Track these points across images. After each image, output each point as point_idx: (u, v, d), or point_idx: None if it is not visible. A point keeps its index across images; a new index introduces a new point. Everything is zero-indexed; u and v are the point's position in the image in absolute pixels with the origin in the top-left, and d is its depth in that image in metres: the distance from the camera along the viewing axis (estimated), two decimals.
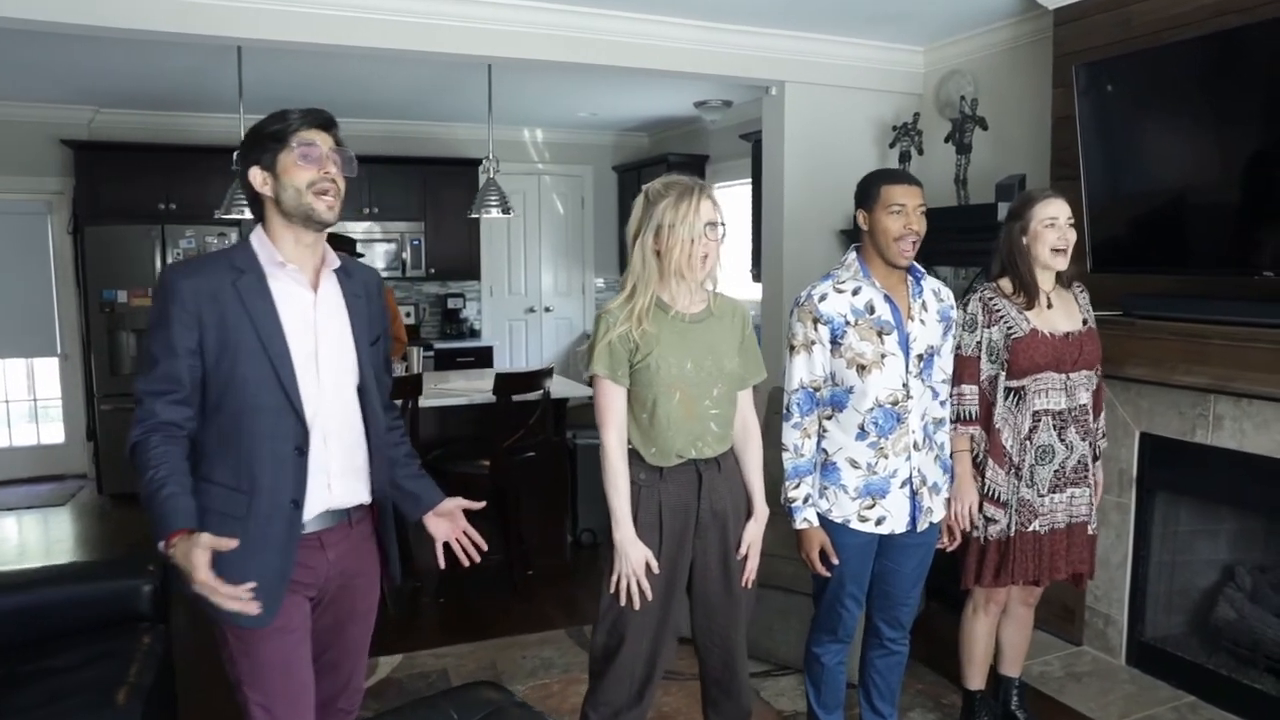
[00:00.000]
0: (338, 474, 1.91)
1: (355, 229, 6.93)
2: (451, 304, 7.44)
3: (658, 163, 7.24)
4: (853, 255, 2.52)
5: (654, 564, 2.20)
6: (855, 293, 2.45)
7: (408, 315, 7.39)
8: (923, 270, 2.54)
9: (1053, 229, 2.63)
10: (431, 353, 6.90)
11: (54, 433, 6.80)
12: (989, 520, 2.68)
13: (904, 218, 2.40)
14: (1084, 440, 2.72)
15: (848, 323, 2.42)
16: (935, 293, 2.55)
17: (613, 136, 7.99)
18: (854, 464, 2.45)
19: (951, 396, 2.63)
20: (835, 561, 2.45)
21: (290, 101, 6.26)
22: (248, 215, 4.43)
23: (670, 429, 2.21)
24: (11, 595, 2.63)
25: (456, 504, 2.12)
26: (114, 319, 5.97)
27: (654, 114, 7.06)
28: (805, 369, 2.45)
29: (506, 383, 4.12)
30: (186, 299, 1.77)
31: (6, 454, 6.69)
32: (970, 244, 3.98)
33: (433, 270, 7.22)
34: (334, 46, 4.02)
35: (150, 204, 6.14)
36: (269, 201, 1.83)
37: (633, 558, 2.18)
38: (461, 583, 4.37)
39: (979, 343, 2.66)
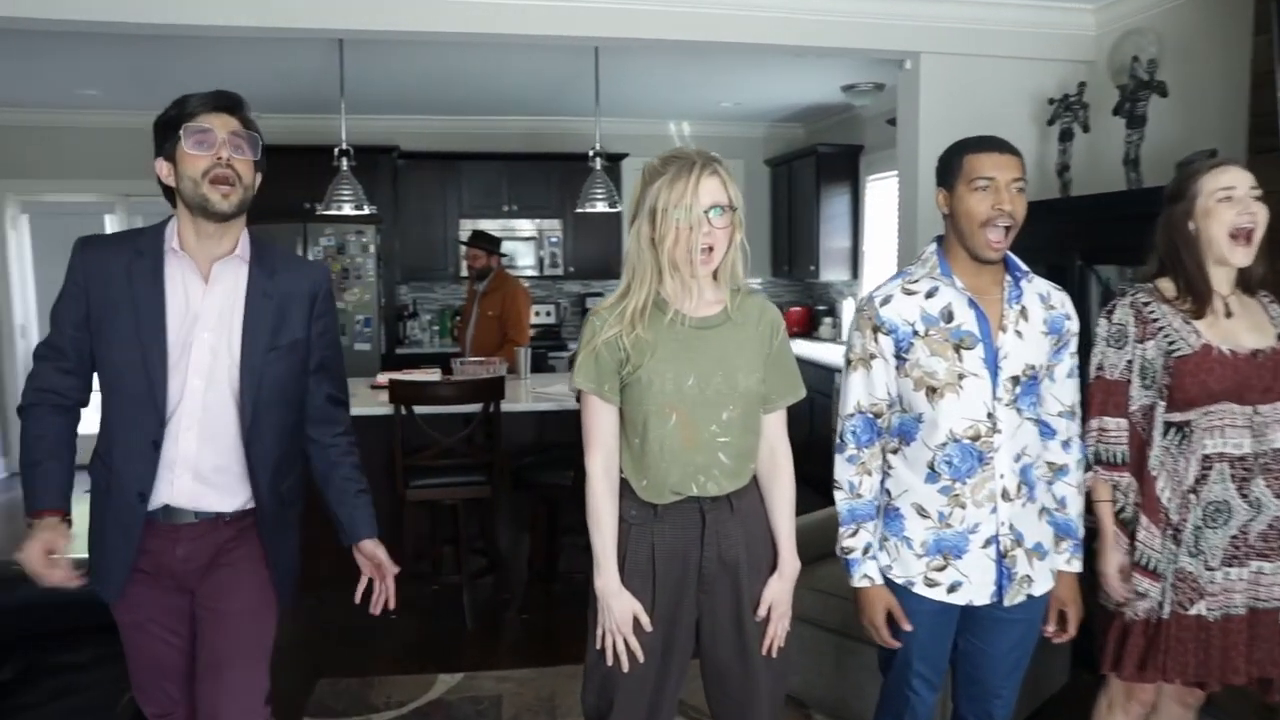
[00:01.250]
0: (201, 474, 1.80)
1: (492, 226, 6.86)
2: (591, 303, 7.24)
3: (807, 154, 6.73)
4: (932, 247, 2.00)
5: (644, 620, 1.81)
6: (930, 295, 1.94)
7: (546, 314, 7.26)
8: (1025, 268, 1.98)
9: (1229, 203, 1.96)
10: (564, 353, 6.72)
11: None
12: (1137, 594, 2.03)
13: (992, 195, 1.86)
14: (1278, 498, 2.02)
15: (915, 332, 1.91)
16: (1043, 297, 1.98)
17: (764, 128, 7.53)
18: (921, 512, 1.94)
19: (1090, 432, 2.05)
20: (906, 628, 1.95)
21: (413, 99, 6.09)
22: (348, 210, 4.39)
23: (664, 459, 1.81)
24: (26, 589, 2.59)
25: (373, 556, 2.02)
26: None
27: (803, 101, 6.55)
28: (863, 389, 1.97)
29: None
30: (78, 273, 1.78)
31: None
32: (1142, 237, 3.26)
33: (572, 269, 7.05)
34: (429, 34, 3.85)
35: (296, 203, 6.30)
36: (175, 191, 1.79)
37: (616, 611, 1.80)
38: (548, 599, 4.11)
39: (1129, 362, 2.04)
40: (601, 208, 4.63)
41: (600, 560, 1.82)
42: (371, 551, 1.99)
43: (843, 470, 1.98)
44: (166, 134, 1.77)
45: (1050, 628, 2.02)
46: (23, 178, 6.71)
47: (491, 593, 4.16)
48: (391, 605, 2.02)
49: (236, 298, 1.80)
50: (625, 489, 1.86)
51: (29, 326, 6.91)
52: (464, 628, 3.85)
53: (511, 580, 4.23)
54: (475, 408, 3.80)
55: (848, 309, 6.68)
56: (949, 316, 1.91)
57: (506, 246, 6.85)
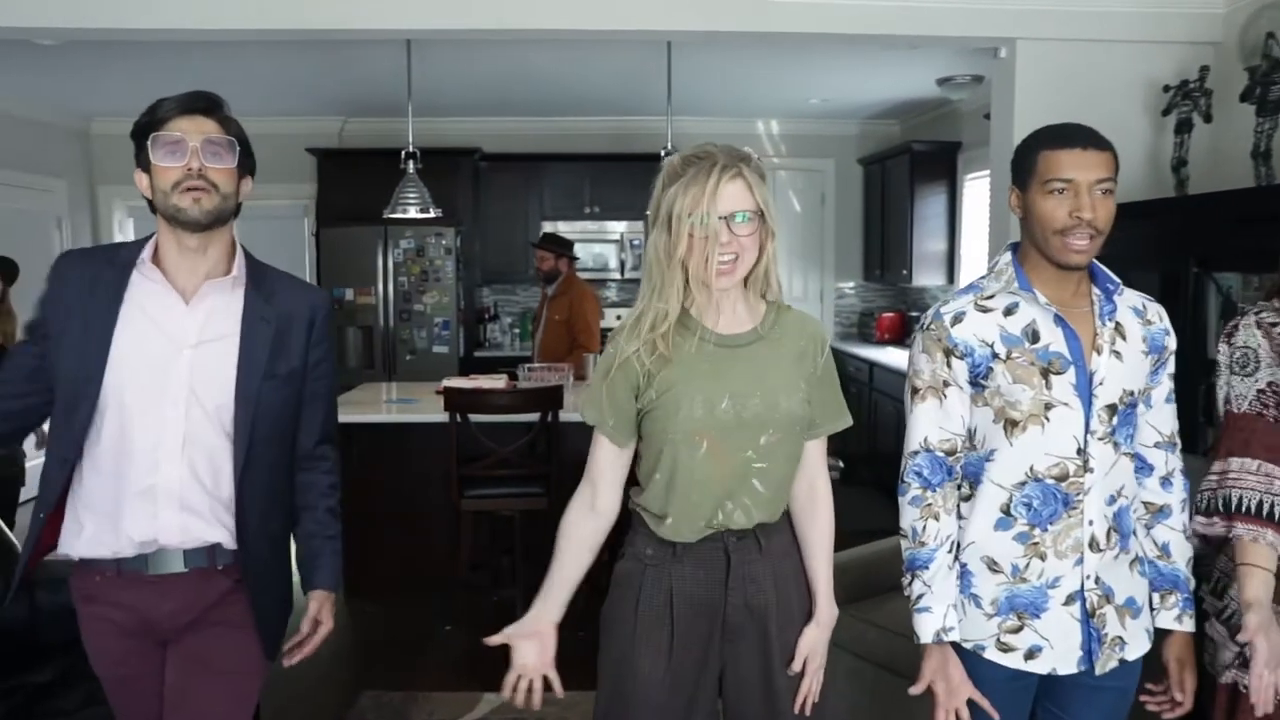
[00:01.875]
0: (190, 506, 1.64)
1: (571, 229, 6.75)
2: None
3: (901, 153, 6.38)
4: (1006, 257, 1.72)
5: (554, 680, 1.68)
6: (1009, 311, 1.66)
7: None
8: (1115, 279, 1.69)
9: None
10: None
11: None
12: None
13: (1070, 200, 1.58)
14: None
15: (995, 354, 1.63)
16: (1137, 311, 1.69)
17: (857, 125, 7.19)
18: (992, 565, 1.66)
19: (1209, 475, 1.72)
20: (983, 703, 1.66)
21: (495, 101, 5.94)
22: (414, 213, 4.33)
23: (694, 490, 1.61)
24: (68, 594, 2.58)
25: (316, 610, 1.84)
26: (341, 315, 6.23)
27: (896, 97, 6.21)
28: (933, 422, 1.68)
29: None
30: (48, 285, 1.68)
31: None
32: (1273, 239, 2.87)
33: None
34: (495, 31, 3.74)
35: (377, 206, 6.32)
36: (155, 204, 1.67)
37: (531, 657, 1.66)
38: None
39: (1261, 391, 1.71)
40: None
41: (547, 589, 1.67)
42: (319, 603, 1.83)
43: (906, 515, 1.70)
44: (141, 144, 1.65)
45: (1155, 698, 1.72)
46: (127, 183, 6.94)
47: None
48: (296, 660, 1.83)
49: (230, 321, 1.66)
50: (640, 527, 1.67)
51: None
52: None
53: (574, 596, 4.08)
54: (534, 416, 3.67)
55: None
56: (1034, 336, 1.63)
57: (588, 250, 6.76)
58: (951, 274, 6.26)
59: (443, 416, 3.64)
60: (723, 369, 1.60)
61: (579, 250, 6.75)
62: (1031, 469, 1.62)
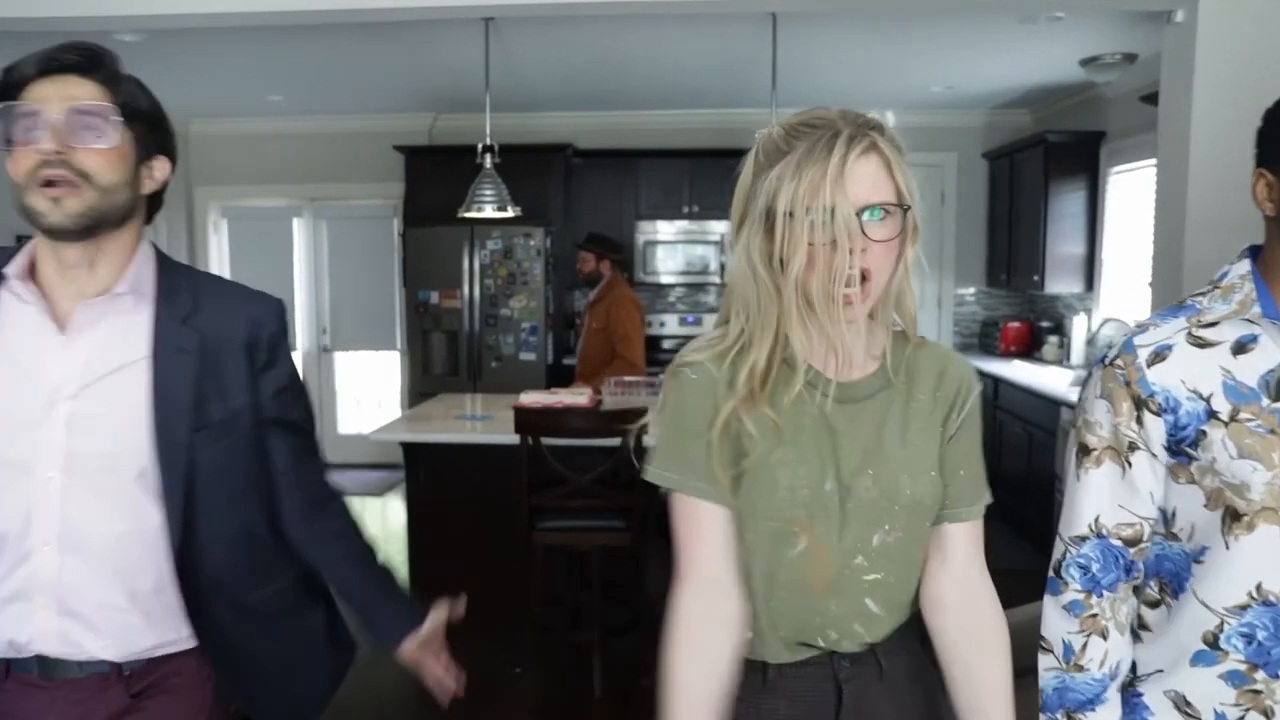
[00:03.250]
0: (71, 609, 1.24)
1: (667, 229, 6.36)
2: None
3: (1034, 144, 5.72)
4: (1242, 267, 1.20)
5: None
6: (1240, 348, 1.15)
7: None
8: None
9: None
10: None
11: None
12: None
13: None
14: None
15: (1212, 412, 1.13)
16: None
17: (983, 116, 6.55)
18: (1184, 707, 1.18)
19: None
20: None
21: (588, 94, 5.52)
22: (489, 212, 3.99)
23: (776, 600, 1.19)
24: None
25: (435, 626, 1.52)
26: (426, 319, 5.98)
27: (1030, 82, 5.56)
28: (1108, 497, 1.19)
29: None
30: None
31: (354, 441, 7.11)
32: None
33: None
34: (579, 4, 3.36)
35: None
36: None
37: None
38: None
39: None
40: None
41: None
42: (415, 657, 1.51)
43: (1055, 624, 1.22)
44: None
45: None
46: (221, 184, 6.91)
47: (630, 654, 3.61)
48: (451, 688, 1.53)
49: (128, 353, 1.26)
50: None
51: None
52: (591, 693, 3.33)
53: (654, 642, 3.67)
54: (617, 440, 3.28)
55: (1078, 327, 5.61)
56: (1278, 389, 1.14)
57: (686, 252, 6.34)
58: (1090, 280, 5.58)
59: (512, 438, 3.28)
60: (833, 435, 1.16)
61: (674, 253, 6.37)
62: (1260, 588, 1.12)
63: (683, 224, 6.36)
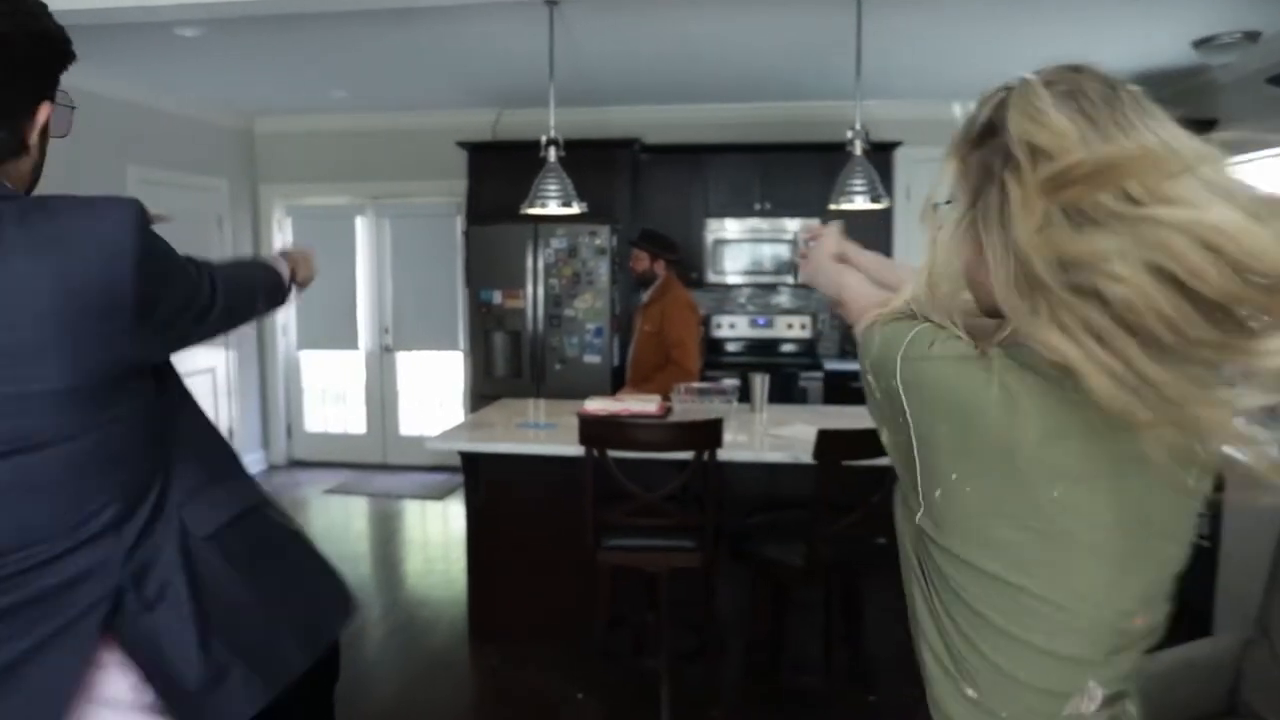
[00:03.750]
0: None
1: (739, 228, 6.09)
2: None
3: None
4: None
5: None
6: None
7: (801, 328, 6.36)
8: None
9: None
10: (820, 374, 5.81)
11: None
12: None
13: None
14: None
15: None
16: None
17: None
18: None
19: None
20: None
21: (657, 87, 5.39)
22: (554, 208, 3.78)
23: (1023, 663, 0.95)
24: None
25: None
26: (489, 319, 5.83)
27: (1132, 66, 5.15)
28: None
29: (834, 443, 2.89)
30: None
31: (415, 443, 7.01)
32: None
33: None
34: None
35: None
36: None
37: None
38: (767, 700, 3.26)
39: None
40: (860, 203, 3.69)
41: None
42: None
43: None
44: None
45: None
46: (286, 182, 6.86)
47: (699, 682, 3.37)
48: None
49: None
50: (944, 685, 1.01)
51: (289, 325, 7.07)
52: None
53: (725, 670, 3.43)
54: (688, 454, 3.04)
55: None
56: None
57: (756, 251, 6.07)
58: None
59: (576, 449, 3.07)
60: (1113, 457, 0.91)
61: (744, 252, 6.10)
62: None
63: (753, 222, 6.09)
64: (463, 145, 6.06)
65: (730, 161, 6.11)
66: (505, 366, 5.85)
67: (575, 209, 3.72)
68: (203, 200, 6.30)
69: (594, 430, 3.00)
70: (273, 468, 7.04)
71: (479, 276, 5.83)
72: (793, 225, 6.06)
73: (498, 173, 5.90)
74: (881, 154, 5.96)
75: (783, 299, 6.52)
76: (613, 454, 3.01)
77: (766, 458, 3.21)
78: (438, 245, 6.75)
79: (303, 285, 1.62)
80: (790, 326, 6.39)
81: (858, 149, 3.66)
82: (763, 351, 6.40)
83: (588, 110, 6.36)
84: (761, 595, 3.25)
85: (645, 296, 4.59)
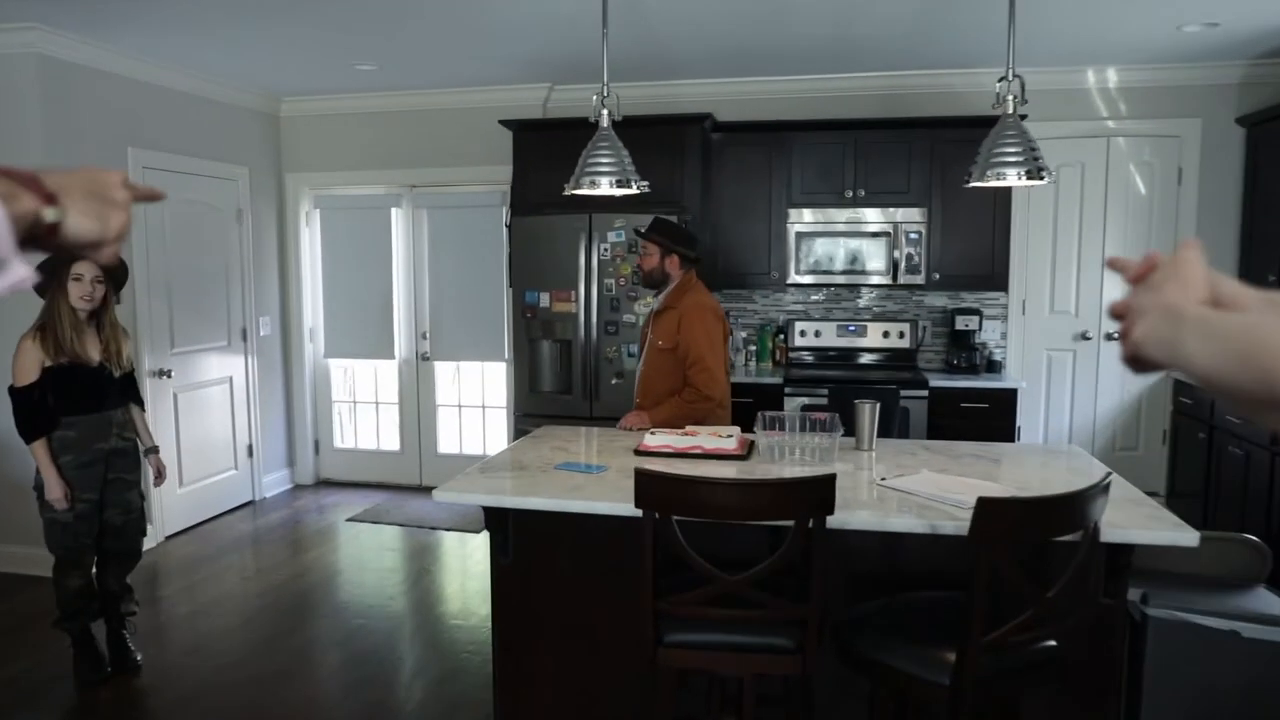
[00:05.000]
0: None
1: (825, 218, 5.18)
2: (962, 323, 5.29)
3: None
4: None
5: None
6: None
7: (899, 335, 5.42)
8: None
9: None
10: (924, 392, 4.88)
11: (497, 445, 6.20)
12: None
13: None
14: None
15: None
16: None
17: (1239, 70, 5.09)
18: None
19: None
20: None
21: (733, 57, 4.32)
22: (605, 187, 2.95)
23: None
24: None
25: None
26: (534, 326, 5.02)
27: None
28: None
29: (1002, 516, 1.99)
30: None
31: (456, 463, 6.25)
32: None
33: (937, 275, 5.15)
34: None
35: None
36: None
37: None
38: None
39: None
40: (1013, 177, 2.76)
41: None
42: None
43: None
44: None
45: None
46: (314, 170, 6.16)
47: None
48: None
49: None
50: None
51: (317, 330, 6.38)
52: None
53: None
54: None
55: None
56: None
57: (843, 246, 5.15)
58: None
59: (630, 508, 2.22)
60: None
61: (833, 247, 5.19)
62: None
63: (844, 212, 5.19)
64: (506, 124, 5.27)
65: (817, 141, 5.21)
66: (553, 380, 5.04)
67: (635, 190, 2.88)
68: (220, 191, 5.62)
69: (656, 491, 2.15)
70: (299, 487, 6.36)
71: (524, 276, 5.03)
72: (892, 216, 5.13)
73: (548, 156, 5.09)
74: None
75: (873, 300, 5.59)
76: (681, 517, 2.16)
77: (891, 525, 2.32)
78: (482, 240, 5.98)
79: (77, 243, 0.79)
80: (885, 335, 5.46)
81: (1010, 106, 2.73)
82: (851, 364, 5.48)
83: (651, 85, 5.53)
84: (882, 713, 2.36)
85: (656, 303, 3.68)
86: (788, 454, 2.91)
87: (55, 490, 3.31)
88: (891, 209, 5.15)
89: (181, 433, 5.32)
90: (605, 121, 2.88)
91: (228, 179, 5.68)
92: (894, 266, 5.16)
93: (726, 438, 2.98)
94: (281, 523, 5.54)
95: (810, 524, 2.14)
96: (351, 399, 6.53)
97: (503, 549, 2.81)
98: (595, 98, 2.88)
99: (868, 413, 3.06)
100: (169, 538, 5.23)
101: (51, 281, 3.34)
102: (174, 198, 5.23)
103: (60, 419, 3.36)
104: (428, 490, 6.22)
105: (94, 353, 3.41)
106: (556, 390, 5.02)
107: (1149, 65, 5.12)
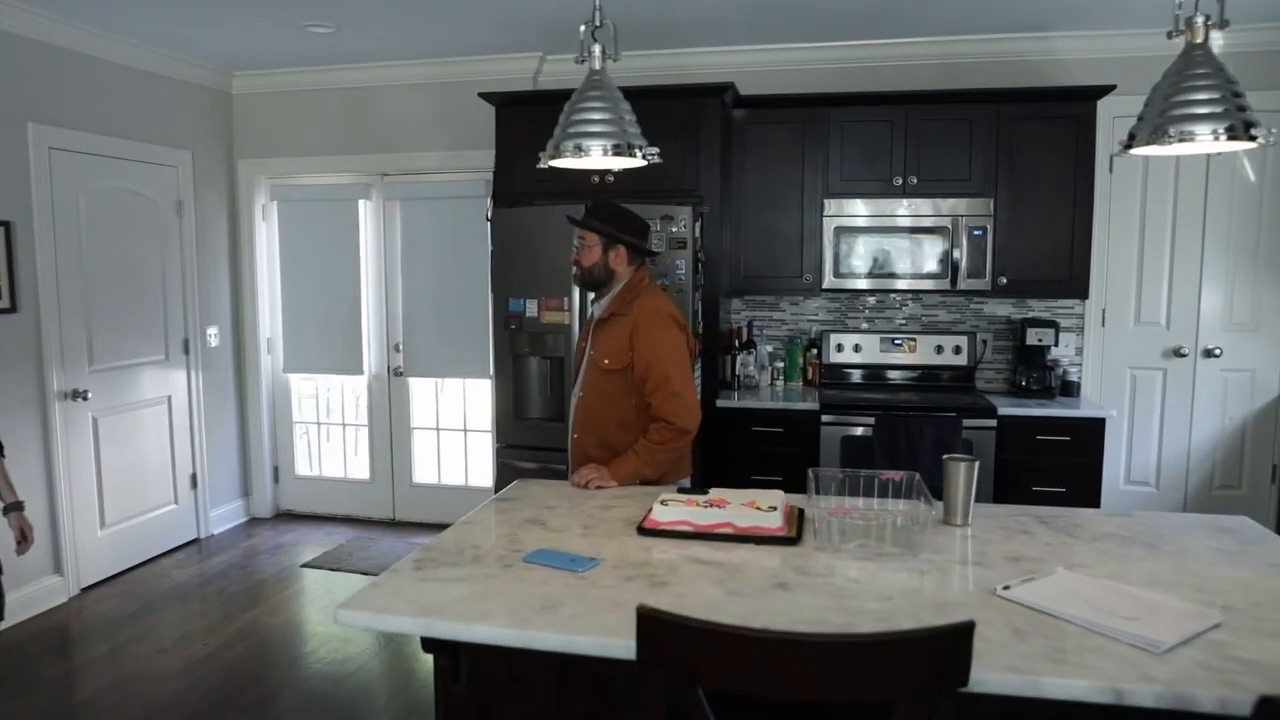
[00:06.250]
0: None
1: (869, 210, 4.32)
2: (1034, 337, 4.41)
3: None
4: None
5: None
6: None
7: (954, 351, 4.55)
8: None
9: None
10: (992, 421, 4.01)
11: (481, 475, 5.36)
12: None
13: None
14: None
15: None
16: None
17: None
18: None
19: None
20: None
21: (756, 20, 2.82)
22: (596, 154, 2.07)
23: None
24: None
25: None
26: (519, 339, 4.17)
27: None
28: None
29: None
30: None
31: (431, 495, 5.41)
32: None
33: (1004, 279, 4.28)
34: None
35: (576, 175, 4.21)
36: None
37: None
38: None
39: None
40: (1205, 140, 1.87)
41: None
42: None
43: None
44: None
45: None
46: (270, 155, 5.32)
47: None
48: None
49: None
50: None
51: (276, 341, 5.54)
52: None
53: None
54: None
55: None
56: None
57: (889, 244, 4.29)
58: None
59: (629, 649, 1.37)
60: None
61: (880, 245, 4.33)
62: None
63: (892, 203, 4.32)
64: (487, 97, 4.41)
65: (860, 119, 4.34)
66: (541, 406, 4.19)
67: (640, 159, 2.02)
68: (155, 178, 4.79)
69: (672, 648, 1.30)
70: (254, 520, 5.52)
71: (507, 279, 4.18)
72: (947, 208, 4.27)
73: (537, 136, 4.21)
74: (1077, 105, 4.16)
75: (934, 309, 4.73)
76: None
77: (1049, 689, 1.45)
78: (463, 236, 5.13)
79: None
80: (939, 350, 4.59)
81: (1199, 31, 1.85)
82: (898, 385, 4.62)
83: (661, 55, 4.69)
84: None
85: (598, 309, 2.85)
86: (853, 536, 2.05)
87: None
88: (949, 200, 4.28)
89: (103, 464, 4.48)
90: (597, 62, 2.02)
91: (165, 165, 4.84)
92: (952, 269, 4.29)
93: (768, 511, 2.12)
94: (225, 569, 4.70)
95: (927, 699, 1.28)
96: (315, 419, 5.68)
97: (453, 675, 1.95)
98: (583, 27, 2.02)
99: (963, 475, 2.19)
100: (86, 589, 4.40)
101: None
102: (94, 185, 4.40)
103: None
104: (401, 526, 5.39)
105: None
106: (545, 417, 4.17)
107: (1255, 25, 4.24)
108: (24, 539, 2.82)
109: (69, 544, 4.28)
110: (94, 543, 4.45)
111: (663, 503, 2.19)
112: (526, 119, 4.32)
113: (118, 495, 4.58)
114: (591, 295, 2.99)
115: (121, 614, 4.13)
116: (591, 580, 1.84)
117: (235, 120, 5.32)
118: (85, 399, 4.33)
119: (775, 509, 2.13)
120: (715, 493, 2.29)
